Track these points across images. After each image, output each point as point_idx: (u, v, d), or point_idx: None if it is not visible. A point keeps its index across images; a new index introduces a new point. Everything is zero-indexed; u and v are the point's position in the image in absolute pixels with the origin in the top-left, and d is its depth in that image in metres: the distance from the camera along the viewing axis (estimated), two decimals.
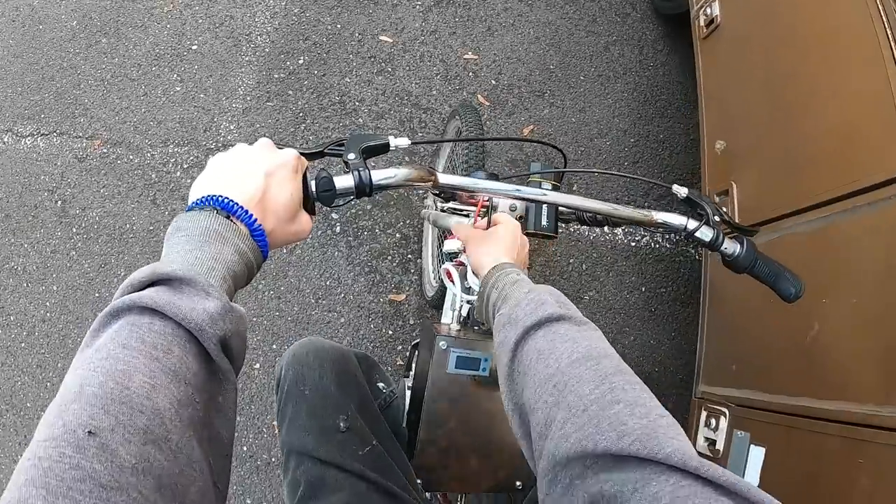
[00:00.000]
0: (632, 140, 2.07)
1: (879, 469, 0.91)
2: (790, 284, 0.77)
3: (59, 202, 1.98)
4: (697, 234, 0.77)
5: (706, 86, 1.70)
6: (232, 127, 1.94)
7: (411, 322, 1.79)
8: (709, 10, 1.69)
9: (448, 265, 0.97)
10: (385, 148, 0.68)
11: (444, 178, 0.71)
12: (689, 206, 0.82)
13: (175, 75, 2.05)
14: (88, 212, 1.96)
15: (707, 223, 0.78)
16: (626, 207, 0.78)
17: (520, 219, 0.87)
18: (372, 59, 2.02)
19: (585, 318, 0.57)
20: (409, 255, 1.82)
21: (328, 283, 1.80)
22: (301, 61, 2.02)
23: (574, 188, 1.98)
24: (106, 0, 2.23)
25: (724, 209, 0.81)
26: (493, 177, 0.80)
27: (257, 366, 1.77)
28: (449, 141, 0.84)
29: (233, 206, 0.50)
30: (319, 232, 1.84)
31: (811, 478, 1.04)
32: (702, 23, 1.73)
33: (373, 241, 1.83)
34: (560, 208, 0.81)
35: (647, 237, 1.98)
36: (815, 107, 1.19)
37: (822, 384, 1.08)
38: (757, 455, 1.18)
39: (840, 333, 1.06)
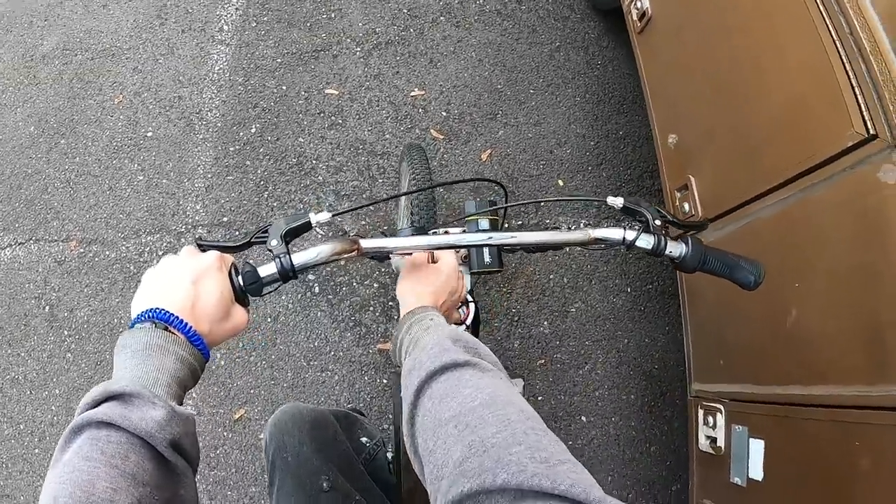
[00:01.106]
0: (592, 143, 2.07)
1: (877, 449, 0.90)
2: (747, 273, 0.76)
3: (47, 307, 2.01)
4: (638, 243, 0.75)
5: (649, 80, 1.68)
6: (198, 207, 1.97)
7: None
8: (639, 4, 1.67)
9: None
10: (307, 227, 0.70)
11: (368, 244, 0.72)
12: (630, 215, 0.81)
13: (136, 165, 2.08)
14: (76, 312, 1.98)
15: (647, 230, 0.77)
16: (564, 232, 0.78)
17: (465, 258, 0.88)
18: (321, 115, 2.03)
19: (493, 363, 0.58)
20: (390, 303, 1.84)
21: (317, 343, 1.82)
22: (253, 130, 2.04)
23: (530, 212, 1.98)
24: (58, 101, 2.26)
25: (665, 210, 0.79)
26: (421, 231, 0.81)
27: (262, 436, 1.78)
28: (370, 204, 0.86)
29: (169, 317, 0.55)
30: (299, 295, 1.85)
31: (812, 465, 1.03)
32: (634, 17, 1.71)
33: (352, 295, 1.84)
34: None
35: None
36: (758, 88, 1.17)
37: (809, 370, 1.07)
38: (757, 448, 1.17)
39: (818, 316, 1.05)
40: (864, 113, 0.90)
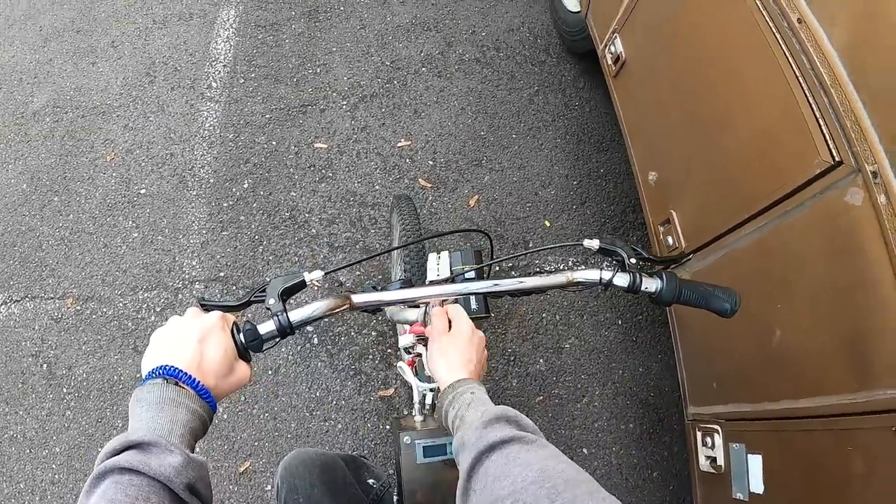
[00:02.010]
0: (575, 182, 2.15)
1: (868, 452, 0.95)
2: (723, 301, 0.80)
3: (45, 365, 2.02)
4: (615, 281, 0.80)
5: (627, 121, 1.75)
6: (194, 263, 2.01)
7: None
8: (612, 48, 1.74)
9: (401, 364, 1.04)
10: (302, 285, 0.76)
11: (359, 299, 0.78)
12: (607, 255, 0.85)
13: (130, 222, 2.11)
14: (75, 370, 2.00)
15: (623, 269, 0.81)
16: (544, 277, 0.82)
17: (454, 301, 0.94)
18: (312, 168, 2.09)
19: (534, 431, 0.63)
20: (389, 350, 1.89)
21: (318, 393, 1.86)
22: (246, 185, 2.09)
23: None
24: (50, 158, 2.29)
25: (641, 247, 0.84)
26: (408, 284, 0.86)
27: (268, 487, 1.81)
28: (360, 262, 0.92)
29: (178, 373, 0.60)
30: (299, 347, 1.90)
31: (810, 474, 1.08)
32: (609, 61, 1.78)
33: (351, 344, 1.89)
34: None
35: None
36: (728, 123, 1.24)
37: (797, 385, 1.13)
38: (755, 463, 1.23)
39: (801, 334, 1.11)
40: (829, 141, 0.96)
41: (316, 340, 1.90)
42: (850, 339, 0.99)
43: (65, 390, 1.98)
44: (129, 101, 2.31)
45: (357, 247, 1.97)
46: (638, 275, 0.81)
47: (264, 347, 0.72)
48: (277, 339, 0.72)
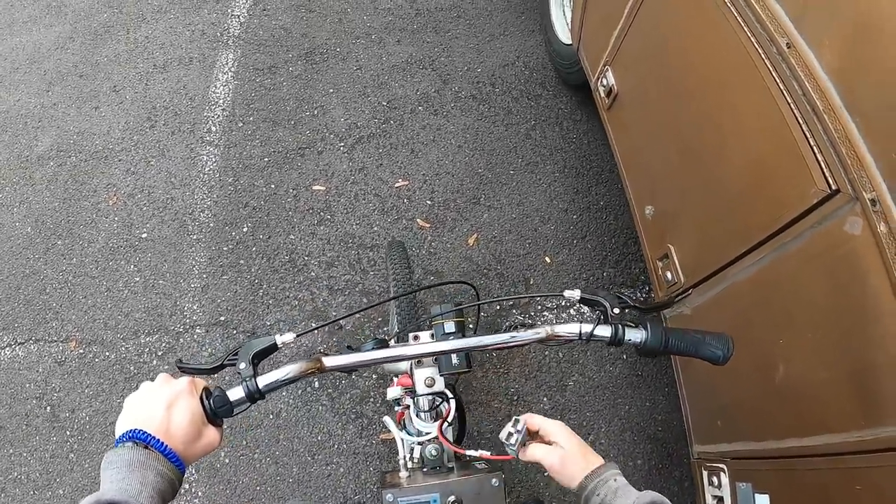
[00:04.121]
0: (574, 216, 2.16)
1: (879, 491, 0.92)
2: (714, 349, 0.77)
3: (48, 407, 2.04)
4: (596, 333, 0.77)
5: (622, 155, 1.74)
6: (195, 307, 2.02)
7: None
8: (605, 81, 1.73)
9: (386, 419, 1.04)
10: (274, 348, 0.77)
11: (331, 362, 0.78)
12: (589, 306, 0.82)
13: (132, 266, 2.14)
14: (78, 413, 2.01)
15: (605, 320, 0.78)
16: (523, 332, 0.80)
17: (435, 360, 0.93)
18: (310, 211, 2.11)
19: None
20: None
21: (320, 437, 1.86)
22: (245, 229, 2.11)
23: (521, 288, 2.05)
24: (54, 202, 2.33)
25: (626, 294, 0.82)
26: (383, 343, 0.86)
27: None
28: (328, 324, 0.93)
29: (147, 437, 0.64)
30: (300, 391, 1.90)
31: None
32: (602, 94, 1.78)
33: (352, 387, 1.89)
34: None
35: None
36: (723, 154, 1.21)
37: (803, 422, 1.10)
38: (763, 503, 1.20)
39: (805, 369, 1.08)
40: (825, 170, 0.93)
41: (317, 384, 1.91)
42: (855, 374, 0.96)
43: (68, 433, 1.99)
44: (130, 145, 2.34)
45: (356, 289, 1.98)
46: (621, 326, 0.78)
47: (235, 412, 0.73)
48: (248, 405, 0.74)
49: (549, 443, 0.80)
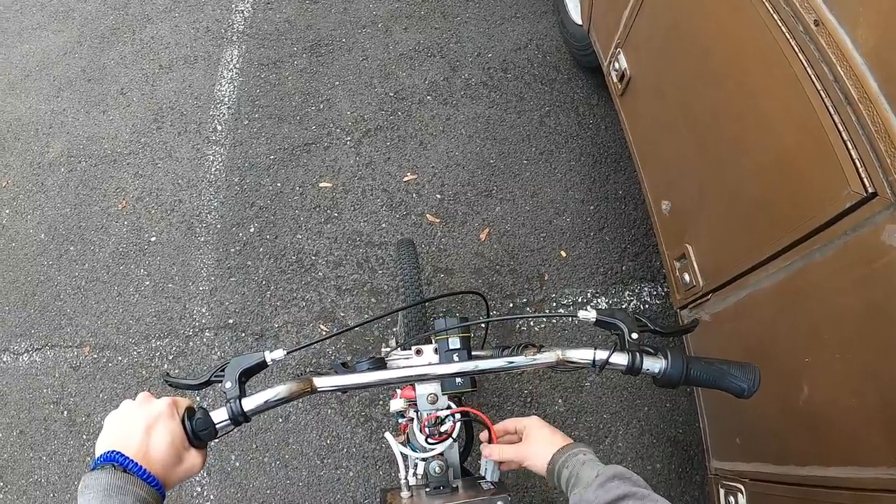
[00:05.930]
0: (591, 207, 2.05)
1: None
2: (738, 381, 0.70)
3: (65, 412, 2.04)
4: (612, 361, 0.70)
5: (636, 144, 1.63)
6: (204, 310, 1.99)
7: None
8: (617, 64, 1.63)
9: (387, 435, 0.97)
10: (263, 366, 0.72)
11: (322, 383, 0.73)
12: (604, 329, 0.76)
13: (142, 270, 2.12)
14: (93, 417, 2.01)
15: (622, 346, 0.71)
16: (532, 356, 0.74)
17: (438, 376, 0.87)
18: (317, 209, 2.06)
19: (644, 486, 0.66)
20: None
21: (329, 441, 1.81)
22: (252, 229, 2.07)
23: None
24: (66, 208, 2.33)
25: (646, 318, 0.74)
26: (379, 363, 0.79)
27: None
28: (318, 342, 0.87)
29: (126, 461, 0.61)
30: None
31: None
32: (615, 79, 1.67)
33: (360, 390, 1.84)
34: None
35: (634, 300, 1.95)
36: (744, 146, 1.09)
37: (827, 450, 1.00)
38: None
39: (832, 392, 0.97)
40: (860, 168, 0.81)
41: None
42: (889, 405, 0.85)
43: (84, 437, 1.99)
44: (138, 147, 2.33)
45: (364, 289, 1.92)
46: (638, 354, 0.70)
47: (219, 435, 0.68)
48: (232, 428, 0.68)
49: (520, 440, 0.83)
